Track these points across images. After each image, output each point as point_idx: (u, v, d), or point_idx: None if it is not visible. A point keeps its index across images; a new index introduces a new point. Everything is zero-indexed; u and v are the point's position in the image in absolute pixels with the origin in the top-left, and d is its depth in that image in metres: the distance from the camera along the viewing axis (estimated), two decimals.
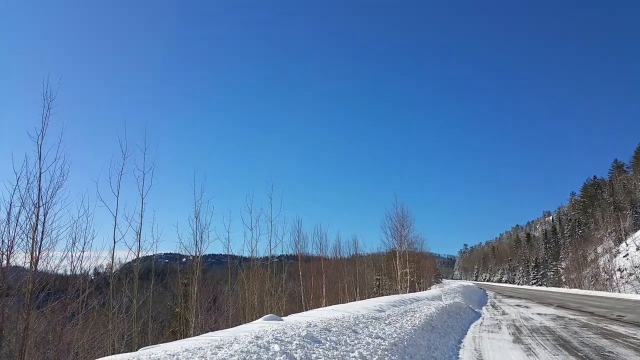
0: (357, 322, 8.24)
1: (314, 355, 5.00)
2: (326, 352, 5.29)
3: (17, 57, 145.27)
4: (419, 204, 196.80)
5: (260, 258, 18.48)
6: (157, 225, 12.22)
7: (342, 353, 5.40)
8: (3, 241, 7.30)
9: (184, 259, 17.40)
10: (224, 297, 18.91)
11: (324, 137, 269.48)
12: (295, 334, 5.87)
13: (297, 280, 23.29)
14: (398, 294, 25.85)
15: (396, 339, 7.16)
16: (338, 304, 17.03)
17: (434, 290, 32.34)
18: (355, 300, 23.06)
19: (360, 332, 7.27)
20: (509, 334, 11.82)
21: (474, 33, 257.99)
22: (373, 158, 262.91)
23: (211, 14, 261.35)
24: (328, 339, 6.07)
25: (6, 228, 7.40)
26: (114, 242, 10.46)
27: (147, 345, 6.19)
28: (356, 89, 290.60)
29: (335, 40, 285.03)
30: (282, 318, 9.42)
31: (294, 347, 5.12)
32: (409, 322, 9.73)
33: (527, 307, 21.91)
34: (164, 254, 32.38)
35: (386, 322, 9.20)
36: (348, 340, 6.27)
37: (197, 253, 13.83)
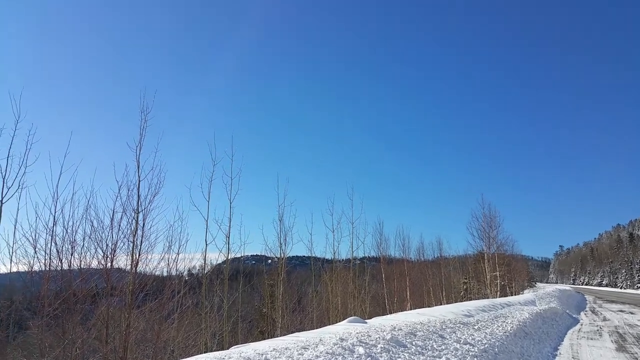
0: (443, 327, 8.00)
1: None
2: (412, 356, 5.18)
3: (123, 65, 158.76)
4: (508, 204, 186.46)
5: (343, 260, 18.58)
6: (244, 228, 12.68)
7: (428, 358, 5.26)
8: (107, 245, 7.96)
9: (269, 261, 17.96)
10: (308, 299, 19.22)
11: (406, 137, 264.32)
12: (379, 337, 5.82)
13: (380, 283, 23.08)
14: (487, 298, 24.72)
15: (486, 345, 6.85)
16: (423, 307, 16.63)
17: (527, 294, 30.58)
18: (441, 304, 22.39)
19: (448, 337, 7.05)
20: (612, 341, 10.91)
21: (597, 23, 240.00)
22: (457, 157, 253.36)
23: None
24: (413, 343, 5.95)
25: (110, 233, 8.06)
26: (206, 244, 11.00)
27: (237, 344, 6.43)
28: (440, 84, 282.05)
29: (432, 38, 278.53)
30: (366, 321, 9.37)
31: (378, 351, 5.07)
32: (500, 328, 9.29)
33: (632, 313, 20.06)
34: (251, 255, 33.87)
35: (475, 327, 8.86)
36: (435, 345, 6.10)
37: (282, 255, 14.16)
